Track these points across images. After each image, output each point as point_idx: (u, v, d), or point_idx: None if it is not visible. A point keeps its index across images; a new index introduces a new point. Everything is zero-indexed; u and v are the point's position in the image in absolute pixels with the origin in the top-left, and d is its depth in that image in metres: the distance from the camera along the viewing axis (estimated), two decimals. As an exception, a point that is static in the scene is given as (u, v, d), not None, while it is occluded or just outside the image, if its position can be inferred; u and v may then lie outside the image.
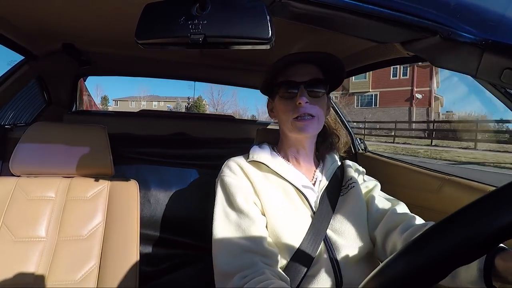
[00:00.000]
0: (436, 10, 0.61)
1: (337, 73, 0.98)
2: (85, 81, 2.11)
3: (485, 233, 0.32)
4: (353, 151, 1.69)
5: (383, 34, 0.71)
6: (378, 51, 1.16)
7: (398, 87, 25.47)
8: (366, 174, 1.08)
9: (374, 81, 26.51)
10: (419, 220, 0.86)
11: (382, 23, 0.61)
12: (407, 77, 25.01)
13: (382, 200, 0.96)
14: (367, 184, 1.02)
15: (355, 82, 27.02)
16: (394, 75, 25.42)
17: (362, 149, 1.70)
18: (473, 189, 1.05)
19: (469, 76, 0.68)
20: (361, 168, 1.08)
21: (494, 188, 0.87)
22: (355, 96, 27.82)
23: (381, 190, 1.03)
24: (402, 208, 0.93)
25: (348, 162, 1.09)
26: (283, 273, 0.80)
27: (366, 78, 26.17)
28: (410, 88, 24.91)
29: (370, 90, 26.81)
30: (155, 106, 42.84)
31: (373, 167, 1.06)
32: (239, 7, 0.50)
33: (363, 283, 0.39)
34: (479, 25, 0.60)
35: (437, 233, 0.35)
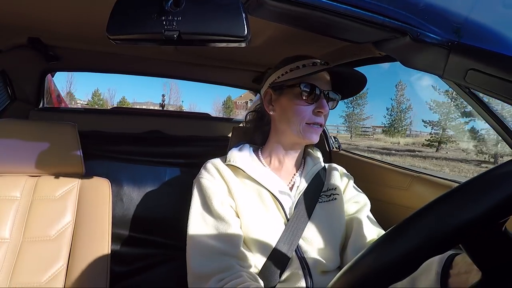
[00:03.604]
0: (406, 11, 0.63)
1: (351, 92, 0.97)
2: (53, 76, 2.01)
3: (450, 227, 0.34)
4: (328, 150, 1.72)
5: (356, 34, 0.73)
6: (352, 50, 1.18)
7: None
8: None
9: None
10: None
11: (355, 22, 0.63)
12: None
13: (369, 226, 0.92)
14: (356, 201, 0.98)
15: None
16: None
17: (336, 148, 1.73)
18: (440, 185, 1.09)
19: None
20: (348, 178, 1.04)
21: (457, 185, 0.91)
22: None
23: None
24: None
25: (335, 167, 1.05)
26: (259, 278, 0.79)
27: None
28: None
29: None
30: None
31: (347, 165, 1.08)
32: (214, 4, 0.49)
33: (332, 282, 0.40)
34: (445, 27, 0.63)
35: (404, 230, 0.36)
